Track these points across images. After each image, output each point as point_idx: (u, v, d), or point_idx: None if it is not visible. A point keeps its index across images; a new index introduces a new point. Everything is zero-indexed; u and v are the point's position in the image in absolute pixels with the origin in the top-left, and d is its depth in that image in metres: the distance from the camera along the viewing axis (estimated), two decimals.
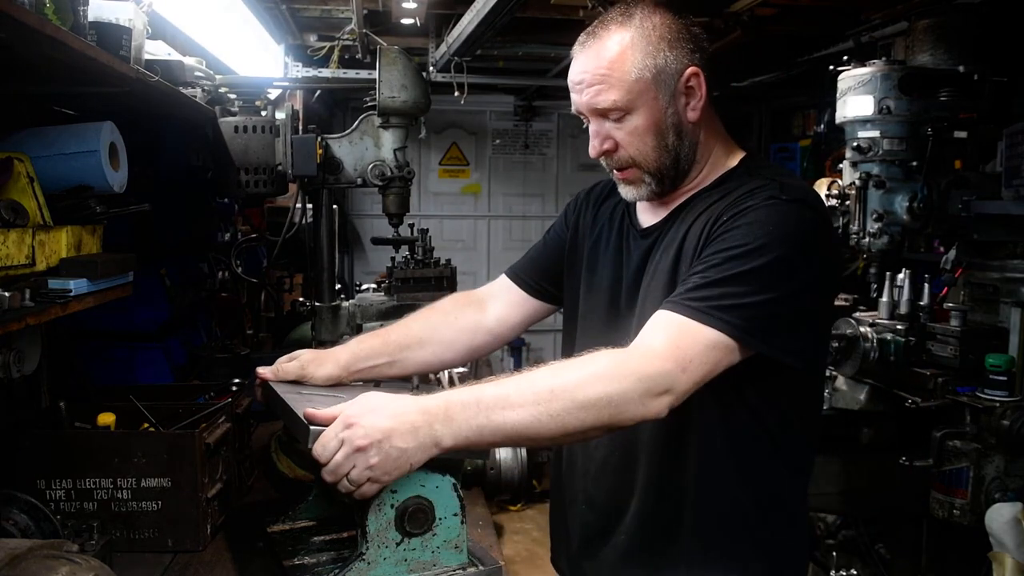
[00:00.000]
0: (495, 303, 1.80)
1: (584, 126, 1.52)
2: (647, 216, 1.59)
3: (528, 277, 1.79)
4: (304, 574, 1.45)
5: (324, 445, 1.23)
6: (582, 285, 1.66)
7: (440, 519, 1.31)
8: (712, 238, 1.38)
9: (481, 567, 1.37)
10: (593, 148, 1.50)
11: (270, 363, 1.71)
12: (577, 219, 1.73)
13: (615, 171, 1.52)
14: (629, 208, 1.63)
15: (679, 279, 1.41)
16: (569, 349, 1.66)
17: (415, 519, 1.29)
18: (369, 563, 1.28)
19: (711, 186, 1.51)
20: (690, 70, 1.44)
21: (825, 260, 1.41)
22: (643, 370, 1.27)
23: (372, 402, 1.26)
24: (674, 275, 1.44)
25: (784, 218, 1.35)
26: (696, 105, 1.46)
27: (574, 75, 1.48)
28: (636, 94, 1.43)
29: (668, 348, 1.29)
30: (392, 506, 1.28)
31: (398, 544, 1.29)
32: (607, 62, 1.43)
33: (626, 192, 1.54)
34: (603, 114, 1.46)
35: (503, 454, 2.45)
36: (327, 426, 1.24)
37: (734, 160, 1.53)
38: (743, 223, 1.35)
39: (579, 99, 1.48)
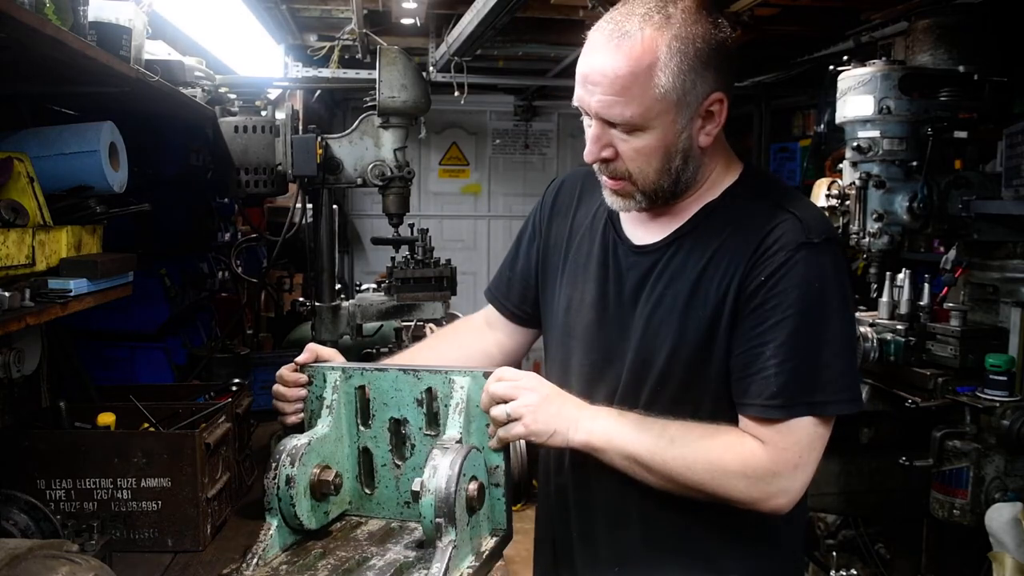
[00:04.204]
0: (494, 332, 1.74)
1: (581, 119, 1.38)
2: (639, 230, 1.48)
3: (512, 305, 1.70)
4: None
5: (509, 373, 1.38)
6: (562, 301, 1.56)
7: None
8: (753, 303, 1.32)
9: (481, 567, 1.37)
10: (590, 153, 1.36)
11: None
12: (549, 227, 1.62)
13: (606, 178, 1.40)
14: (612, 217, 1.52)
15: (694, 316, 1.37)
16: (558, 371, 1.55)
17: (477, 495, 1.33)
18: (457, 547, 1.28)
19: (712, 207, 1.42)
20: (715, 95, 1.32)
21: (850, 287, 1.42)
22: (755, 478, 1.32)
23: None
24: (686, 311, 1.37)
25: (823, 270, 1.32)
26: (712, 131, 1.36)
27: (589, 71, 1.31)
28: (655, 114, 1.30)
29: (774, 455, 1.31)
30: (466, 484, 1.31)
31: (467, 524, 1.32)
32: (631, 73, 1.27)
33: (612, 201, 1.43)
34: (611, 123, 1.32)
35: None
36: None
37: (734, 174, 1.44)
38: (786, 287, 1.31)
39: (588, 99, 1.32)
